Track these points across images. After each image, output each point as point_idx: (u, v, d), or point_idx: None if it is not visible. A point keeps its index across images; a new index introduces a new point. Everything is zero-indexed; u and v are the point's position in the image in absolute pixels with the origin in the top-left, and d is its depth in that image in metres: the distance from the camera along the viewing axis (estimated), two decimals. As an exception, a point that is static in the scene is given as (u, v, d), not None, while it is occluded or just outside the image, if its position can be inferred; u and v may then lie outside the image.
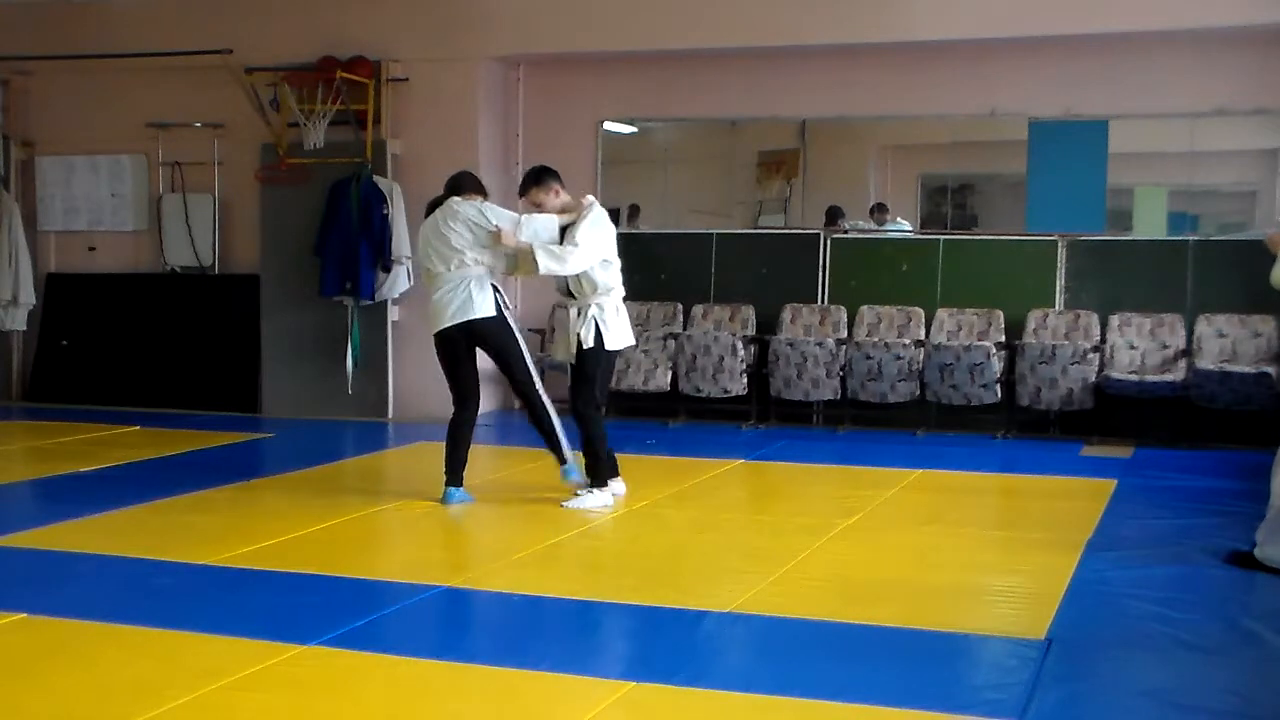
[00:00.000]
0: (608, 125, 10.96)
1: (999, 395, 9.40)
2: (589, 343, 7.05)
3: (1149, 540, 6.41)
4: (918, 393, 9.57)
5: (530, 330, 10.28)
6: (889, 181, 11.13)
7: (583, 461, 7.21)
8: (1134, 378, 9.23)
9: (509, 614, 5.27)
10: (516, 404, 8.64)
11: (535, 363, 7.37)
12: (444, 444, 7.24)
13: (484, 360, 7.24)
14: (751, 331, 10.22)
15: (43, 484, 7.96)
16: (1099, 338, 9.55)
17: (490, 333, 7.08)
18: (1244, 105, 9.52)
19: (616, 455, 7.29)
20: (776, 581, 5.55)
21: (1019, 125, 9.97)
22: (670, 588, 5.51)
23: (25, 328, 11.49)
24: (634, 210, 11.14)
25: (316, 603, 5.26)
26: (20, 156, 11.67)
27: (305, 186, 10.48)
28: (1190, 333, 9.45)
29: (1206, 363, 9.15)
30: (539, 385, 7.21)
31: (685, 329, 10.37)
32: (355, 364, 10.46)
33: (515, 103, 10.97)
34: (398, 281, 10.37)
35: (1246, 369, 8.98)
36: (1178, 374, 9.22)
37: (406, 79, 10.59)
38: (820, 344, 9.71)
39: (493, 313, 7.03)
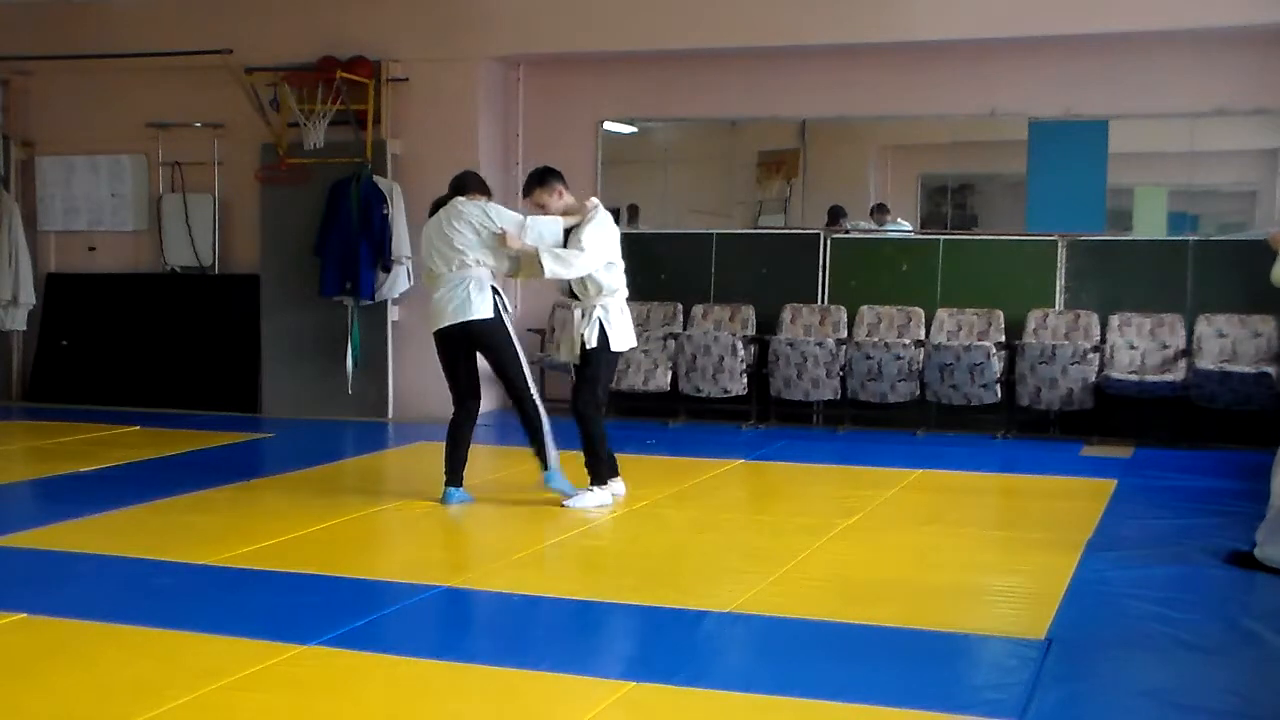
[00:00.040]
0: (608, 125, 10.96)
1: (999, 395, 9.40)
2: (593, 343, 7.05)
3: (1149, 540, 6.41)
4: (918, 393, 9.57)
5: (530, 331, 10.30)
6: (889, 181, 11.13)
7: (573, 467, 7.20)
8: (1134, 378, 9.23)
9: (509, 614, 5.27)
10: (515, 404, 8.64)
11: (534, 364, 7.36)
12: (444, 444, 7.24)
13: (483, 361, 7.24)
14: (751, 331, 10.22)
15: (43, 484, 7.96)
16: (1099, 338, 9.55)
17: (486, 334, 7.05)
18: (1244, 105, 9.52)
19: (616, 455, 7.29)
20: (776, 581, 5.55)
21: (1019, 125, 9.97)
22: (670, 588, 5.51)
23: (25, 328, 11.49)
24: (634, 210, 11.14)
25: (316, 603, 5.26)
26: (20, 156, 11.66)
27: (305, 186, 10.47)
28: (1190, 333, 9.45)
29: (1206, 363, 9.14)
30: (533, 390, 7.19)
31: (685, 329, 10.36)
32: (355, 364, 10.45)
33: (515, 103, 10.97)
34: (398, 281, 10.36)
35: (1246, 369, 8.98)
36: (1178, 374, 9.22)
37: (406, 79, 10.59)
38: (820, 344, 9.71)
39: (490, 314, 7.00)
